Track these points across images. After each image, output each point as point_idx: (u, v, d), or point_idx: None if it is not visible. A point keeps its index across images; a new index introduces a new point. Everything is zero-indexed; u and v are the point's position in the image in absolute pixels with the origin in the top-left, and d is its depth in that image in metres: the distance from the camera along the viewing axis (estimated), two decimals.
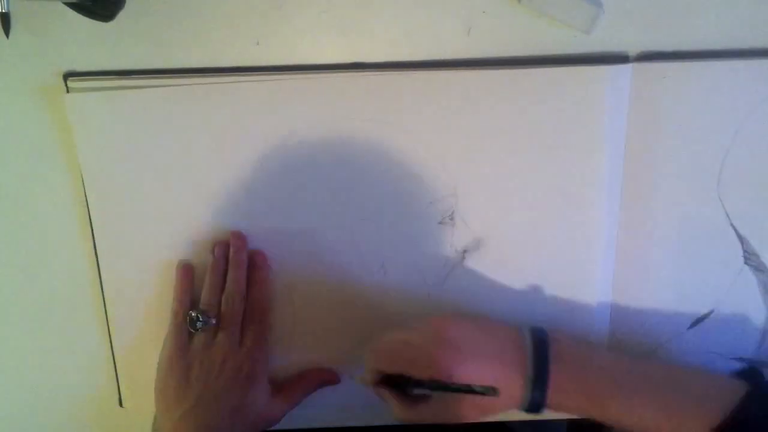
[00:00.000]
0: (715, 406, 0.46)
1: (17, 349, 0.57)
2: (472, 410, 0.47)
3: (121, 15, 0.49)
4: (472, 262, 0.53)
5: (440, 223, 0.53)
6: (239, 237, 0.53)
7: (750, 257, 0.53)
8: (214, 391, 0.50)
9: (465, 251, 0.53)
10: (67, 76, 0.51)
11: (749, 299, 0.54)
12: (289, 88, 0.50)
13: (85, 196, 0.53)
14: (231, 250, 0.53)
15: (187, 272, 0.54)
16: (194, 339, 0.52)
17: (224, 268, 0.53)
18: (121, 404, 0.58)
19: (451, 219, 0.53)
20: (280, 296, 0.55)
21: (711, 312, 0.54)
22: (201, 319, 0.52)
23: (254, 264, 0.53)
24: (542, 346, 0.48)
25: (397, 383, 0.49)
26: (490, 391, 0.44)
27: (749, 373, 0.51)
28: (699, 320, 0.55)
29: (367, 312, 0.55)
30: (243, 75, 0.50)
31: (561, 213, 0.52)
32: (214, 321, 0.52)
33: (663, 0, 0.49)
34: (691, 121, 0.51)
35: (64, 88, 0.51)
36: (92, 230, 0.54)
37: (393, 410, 0.50)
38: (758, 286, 0.54)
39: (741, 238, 0.53)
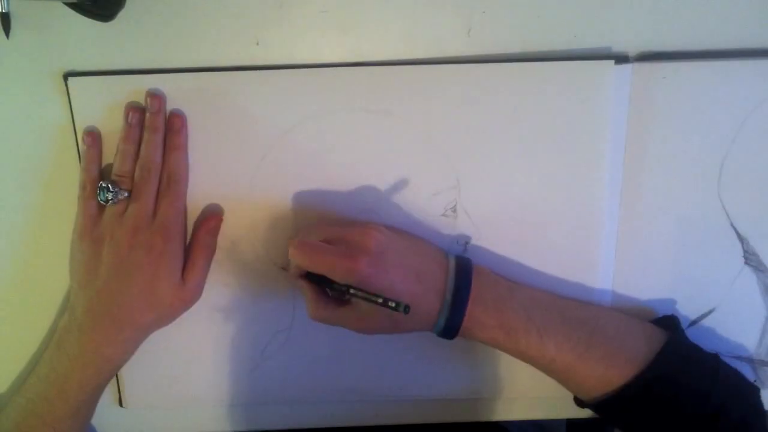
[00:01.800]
0: (632, 355, 0.47)
1: (16, 348, 0.57)
2: (385, 322, 0.47)
3: (121, 15, 0.49)
4: (474, 255, 0.53)
5: (443, 215, 0.53)
6: (156, 97, 0.49)
7: (750, 257, 0.53)
8: (125, 266, 0.48)
9: (467, 243, 0.53)
10: (67, 76, 0.51)
11: (749, 299, 0.54)
12: (291, 81, 0.50)
13: None
14: (147, 114, 0.50)
15: (94, 140, 0.50)
16: (105, 211, 0.49)
17: (139, 135, 0.50)
18: (121, 404, 0.58)
19: (454, 211, 0.53)
20: (281, 287, 0.54)
21: (711, 311, 0.54)
22: (111, 190, 0.48)
23: (171, 128, 0.50)
24: (465, 273, 0.48)
25: (317, 280, 0.48)
26: (402, 307, 0.42)
27: (668, 321, 0.51)
28: (699, 320, 0.55)
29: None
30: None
31: (562, 207, 0.52)
32: (126, 193, 0.49)
33: (663, 0, 0.49)
34: (691, 121, 0.51)
35: (64, 88, 0.50)
36: None
37: (307, 308, 0.49)
38: (758, 285, 0.54)
39: (741, 238, 0.53)
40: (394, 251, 0.47)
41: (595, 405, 0.49)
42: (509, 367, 0.56)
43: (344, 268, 0.45)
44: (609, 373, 0.47)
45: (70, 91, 0.50)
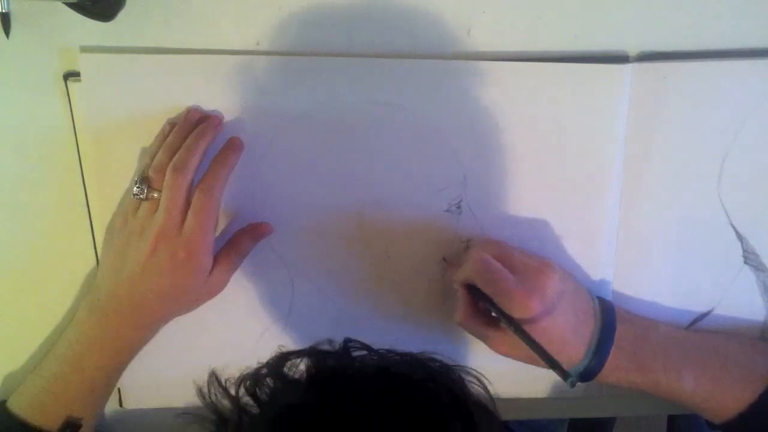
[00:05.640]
0: (760, 374, 0.48)
1: (16, 348, 0.57)
2: (525, 357, 0.47)
3: (121, 15, 0.49)
4: None
5: (447, 211, 0.53)
6: (218, 117, 0.49)
7: (750, 256, 0.53)
8: (148, 268, 0.47)
9: (469, 241, 0.53)
10: (67, 76, 0.50)
11: (749, 298, 0.54)
12: (301, 68, 0.50)
13: (86, 195, 0.53)
14: (204, 123, 0.49)
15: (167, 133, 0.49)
16: (141, 206, 0.48)
17: (189, 133, 0.48)
18: (121, 404, 0.58)
19: (458, 208, 0.53)
20: (280, 276, 0.54)
21: (711, 311, 0.54)
22: (140, 186, 0.46)
23: (230, 145, 0.49)
24: (610, 323, 0.48)
25: (478, 294, 0.48)
26: (568, 380, 0.42)
27: None
28: (698, 319, 0.55)
29: (366, 296, 0.55)
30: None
31: (565, 208, 0.52)
32: (156, 193, 0.46)
33: (663, 0, 0.49)
34: (691, 122, 0.51)
35: (65, 88, 0.50)
36: (92, 231, 0.53)
37: (457, 312, 0.49)
38: (758, 285, 0.54)
39: (741, 238, 0.53)
40: (564, 297, 0.47)
41: (729, 424, 0.48)
42: (510, 367, 0.56)
43: (516, 302, 0.45)
44: (745, 391, 0.47)
45: (70, 91, 0.50)
